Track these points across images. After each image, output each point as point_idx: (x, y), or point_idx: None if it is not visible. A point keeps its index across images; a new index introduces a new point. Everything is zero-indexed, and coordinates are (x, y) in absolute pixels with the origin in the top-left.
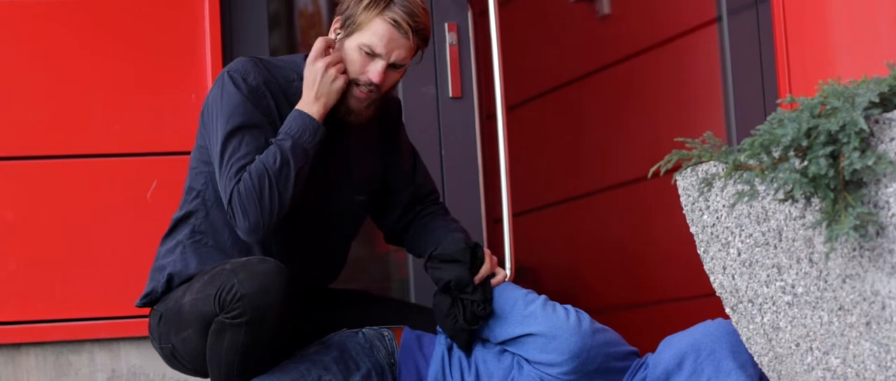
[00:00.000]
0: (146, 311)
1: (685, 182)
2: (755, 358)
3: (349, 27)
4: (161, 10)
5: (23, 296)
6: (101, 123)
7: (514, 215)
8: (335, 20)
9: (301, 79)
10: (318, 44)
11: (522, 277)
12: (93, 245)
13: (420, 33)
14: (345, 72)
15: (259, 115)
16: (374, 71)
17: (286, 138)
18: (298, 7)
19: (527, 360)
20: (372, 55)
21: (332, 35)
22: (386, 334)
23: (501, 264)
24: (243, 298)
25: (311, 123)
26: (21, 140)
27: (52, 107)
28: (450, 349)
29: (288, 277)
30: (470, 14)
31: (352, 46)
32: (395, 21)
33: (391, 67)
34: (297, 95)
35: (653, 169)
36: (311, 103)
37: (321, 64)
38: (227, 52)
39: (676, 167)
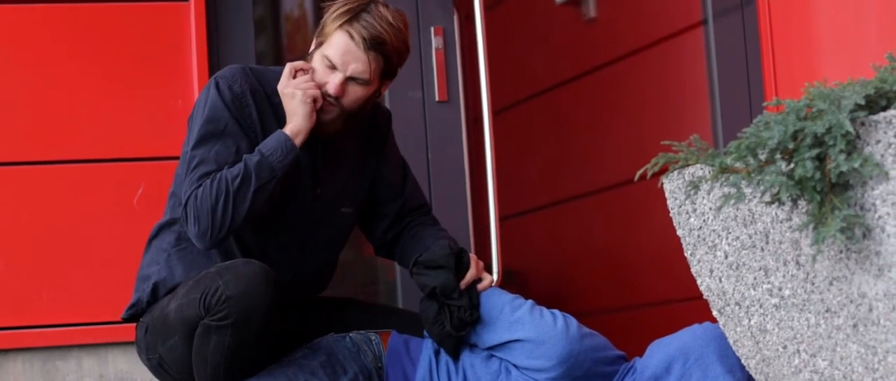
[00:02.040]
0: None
1: (672, 185)
2: (742, 361)
3: (319, 38)
4: (147, 15)
5: (10, 302)
6: (87, 129)
7: (501, 219)
8: (316, 35)
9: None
10: (286, 69)
11: (509, 280)
12: (80, 251)
13: (377, 48)
14: (313, 89)
15: (235, 124)
16: (332, 83)
17: (256, 154)
18: (284, 11)
19: (515, 365)
20: (332, 67)
21: (312, 48)
22: (373, 338)
23: (488, 269)
24: (229, 300)
25: (286, 142)
26: (7, 146)
27: (38, 112)
28: (437, 354)
29: (273, 278)
30: (456, 18)
31: (318, 58)
32: (350, 33)
33: (351, 81)
34: (280, 107)
35: (639, 172)
36: (287, 124)
37: (281, 86)
38: (214, 57)
39: (663, 170)
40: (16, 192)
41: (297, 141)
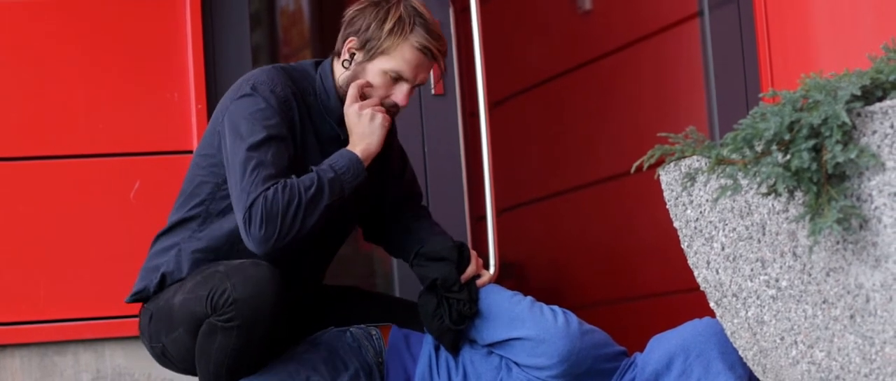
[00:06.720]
0: (134, 309)
1: (668, 177)
2: (740, 352)
3: (371, 51)
4: (142, 9)
5: (6, 297)
6: (83, 124)
7: (498, 212)
8: (349, 40)
9: (315, 93)
10: (352, 89)
11: (506, 273)
12: (77, 246)
13: (444, 55)
14: (384, 111)
15: (286, 128)
16: (401, 94)
17: (329, 170)
18: (280, 6)
19: (516, 363)
20: (398, 79)
21: (345, 55)
22: (374, 333)
23: (485, 261)
24: (236, 302)
25: (358, 165)
26: (4, 141)
27: (34, 107)
28: (437, 349)
29: (281, 281)
30: (451, 11)
31: (374, 71)
32: (424, 47)
33: (414, 88)
34: (314, 108)
35: (636, 164)
36: (355, 145)
37: (354, 108)
38: (209, 50)
39: (659, 162)
40: (11, 187)
41: (366, 164)
